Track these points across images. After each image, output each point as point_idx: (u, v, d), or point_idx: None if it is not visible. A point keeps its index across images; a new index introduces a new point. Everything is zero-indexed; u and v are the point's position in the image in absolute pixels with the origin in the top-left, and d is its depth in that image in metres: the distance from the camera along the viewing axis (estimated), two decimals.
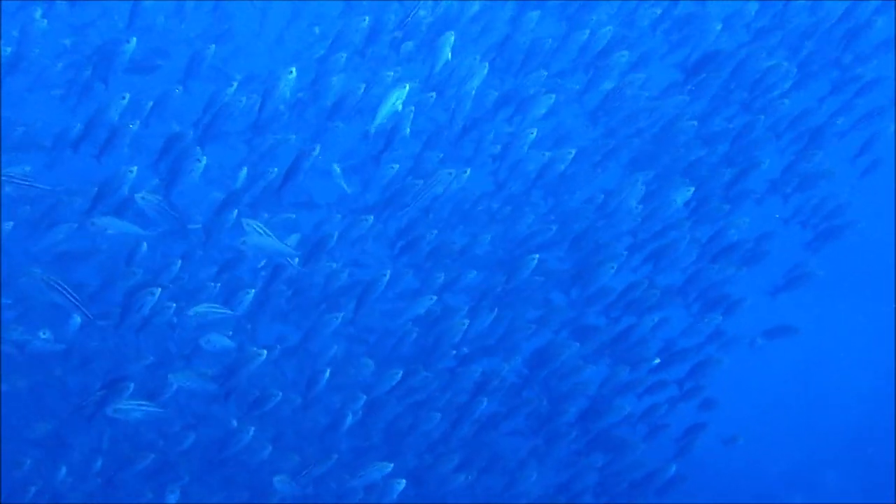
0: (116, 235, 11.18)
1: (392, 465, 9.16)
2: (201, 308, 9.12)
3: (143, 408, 8.63)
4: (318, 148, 9.20)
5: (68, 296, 8.59)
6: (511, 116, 10.77)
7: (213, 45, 10.81)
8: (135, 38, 9.88)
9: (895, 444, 19.73)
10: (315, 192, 12.99)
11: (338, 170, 11.60)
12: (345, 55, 10.86)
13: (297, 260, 9.73)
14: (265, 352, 9.08)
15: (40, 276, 8.62)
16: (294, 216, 11.46)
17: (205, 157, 9.01)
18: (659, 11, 11.10)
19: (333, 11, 13.19)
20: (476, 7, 11.21)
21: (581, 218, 11.07)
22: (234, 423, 9.84)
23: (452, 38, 9.71)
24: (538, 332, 10.78)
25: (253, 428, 9.27)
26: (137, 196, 8.76)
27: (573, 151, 10.11)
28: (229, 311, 9.32)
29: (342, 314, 9.73)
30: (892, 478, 18.72)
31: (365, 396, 9.71)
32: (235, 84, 9.95)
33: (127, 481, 10.03)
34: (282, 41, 15.56)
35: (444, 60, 9.78)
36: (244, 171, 10.45)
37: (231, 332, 10.16)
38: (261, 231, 8.98)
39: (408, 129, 9.94)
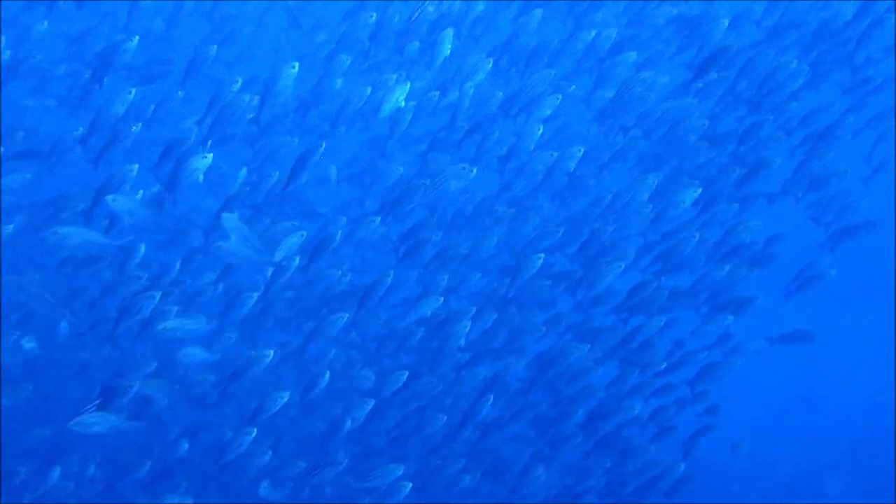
0: (118, 239, 11.16)
1: (402, 468, 8.97)
2: (170, 323, 8.72)
3: (107, 421, 8.23)
4: (323, 145, 9.04)
5: (43, 300, 8.37)
6: (516, 115, 10.64)
7: (215, 46, 10.70)
8: (137, 37, 9.76)
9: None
10: (316, 202, 12.86)
11: (334, 171, 11.43)
12: (349, 58, 10.73)
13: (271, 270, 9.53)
14: (271, 352, 8.88)
15: (13, 280, 8.41)
16: (297, 224, 11.28)
17: (210, 154, 8.83)
18: (675, 11, 10.96)
19: (335, 15, 13.12)
20: (480, 7, 11.08)
21: (589, 219, 10.90)
22: (230, 433, 9.61)
23: (452, 34, 9.64)
24: (544, 335, 10.61)
25: (255, 429, 9.03)
26: (108, 198, 8.40)
27: (582, 149, 9.97)
28: (202, 325, 8.90)
29: (347, 315, 9.53)
30: (892, 482, 18.47)
31: (372, 401, 9.52)
32: (240, 81, 9.80)
33: (125, 489, 9.83)
34: (282, 46, 15.49)
35: (444, 56, 9.69)
36: (244, 171, 10.29)
37: (235, 336, 10.01)
38: (239, 230, 8.74)
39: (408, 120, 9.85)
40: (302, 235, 9.30)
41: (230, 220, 8.74)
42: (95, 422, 8.18)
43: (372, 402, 9.48)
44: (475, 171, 9.46)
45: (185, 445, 10.05)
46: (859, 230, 11.54)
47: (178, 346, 9.27)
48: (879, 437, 20.90)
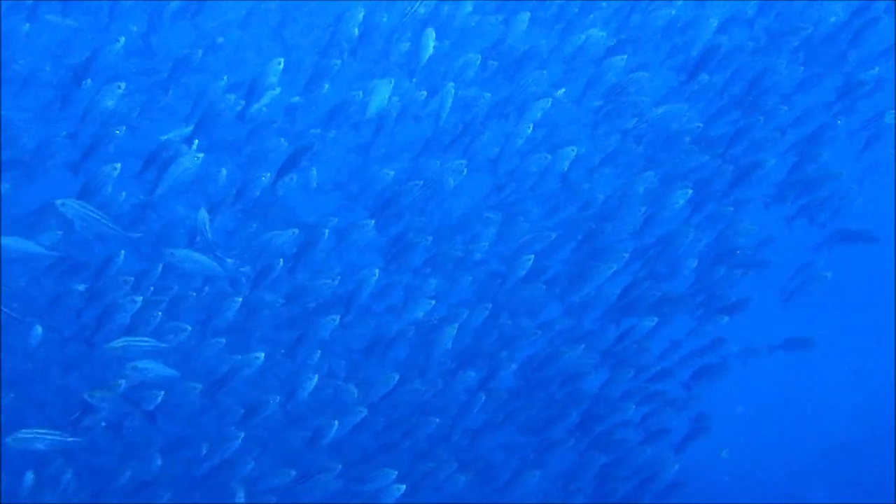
0: (105, 245, 10.93)
1: (396, 472, 8.81)
2: (119, 342, 8.25)
3: (47, 437, 7.82)
4: (316, 143, 8.89)
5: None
6: (508, 115, 10.54)
7: (200, 51, 10.54)
8: (123, 38, 9.62)
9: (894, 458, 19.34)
10: (302, 211, 12.66)
11: (314, 173, 11.29)
12: (339, 62, 10.60)
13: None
14: (262, 354, 8.63)
15: None
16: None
17: (202, 154, 8.65)
18: (673, 11, 10.87)
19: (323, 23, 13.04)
20: (469, 7, 10.97)
21: (582, 223, 10.77)
22: (218, 438, 9.31)
23: (433, 33, 9.59)
24: (534, 339, 10.45)
25: (242, 434, 8.76)
26: (58, 202, 8.11)
27: (575, 149, 9.86)
28: (156, 343, 8.46)
29: (338, 317, 9.30)
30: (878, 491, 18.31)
31: (365, 410, 9.32)
32: (225, 79, 9.64)
33: (107, 497, 9.54)
34: (267, 53, 15.36)
35: (427, 55, 9.61)
36: (224, 172, 10.10)
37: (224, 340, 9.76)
38: (207, 230, 8.53)
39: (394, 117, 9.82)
40: (293, 234, 9.10)
41: (203, 216, 8.52)
42: (35, 438, 7.78)
43: (364, 412, 9.28)
44: (465, 171, 9.35)
45: (159, 461, 9.74)
46: (858, 239, 11.44)
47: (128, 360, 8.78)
48: (867, 442, 20.80)
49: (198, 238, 8.61)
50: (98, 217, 8.19)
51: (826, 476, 19.81)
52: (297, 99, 11.26)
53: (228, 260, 9.05)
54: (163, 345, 8.56)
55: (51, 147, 11.08)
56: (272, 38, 14.29)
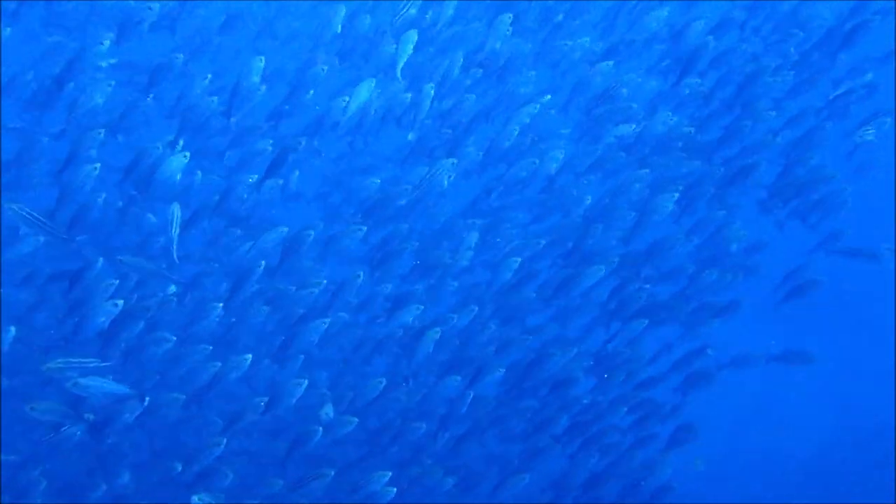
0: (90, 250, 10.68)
1: (389, 474, 8.71)
2: (55, 364, 7.89)
3: None
4: (304, 141, 8.75)
5: None
6: (492, 118, 10.48)
7: (182, 55, 10.39)
8: (108, 41, 9.51)
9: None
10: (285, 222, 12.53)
11: (297, 175, 11.17)
12: (325, 68, 10.49)
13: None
14: (249, 356, 8.44)
15: None
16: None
17: (188, 154, 8.51)
18: (666, 13, 10.82)
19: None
20: (450, 10, 10.87)
21: (571, 229, 10.65)
22: (179, 466, 9.08)
23: (415, 35, 9.51)
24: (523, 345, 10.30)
25: (224, 440, 8.53)
26: (5, 205, 8.05)
27: (563, 153, 9.80)
28: (94, 361, 8.10)
29: (329, 321, 9.12)
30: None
31: (356, 419, 9.17)
32: (209, 77, 9.49)
33: None
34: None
35: (407, 56, 9.53)
36: (199, 174, 9.94)
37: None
38: (174, 226, 8.42)
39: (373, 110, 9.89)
40: (281, 232, 8.96)
41: (174, 212, 8.37)
42: None
43: (355, 421, 9.11)
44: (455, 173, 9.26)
45: (128, 476, 9.62)
46: (860, 255, 11.38)
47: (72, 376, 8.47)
48: (859, 446, 20.75)
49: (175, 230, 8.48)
50: (41, 220, 8.11)
51: (817, 480, 19.75)
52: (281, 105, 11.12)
53: (176, 260, 8.87)
54: (104, 364, 8.22)
55: (33, 153, 10.90)
56: (253, 45, 14.19)
